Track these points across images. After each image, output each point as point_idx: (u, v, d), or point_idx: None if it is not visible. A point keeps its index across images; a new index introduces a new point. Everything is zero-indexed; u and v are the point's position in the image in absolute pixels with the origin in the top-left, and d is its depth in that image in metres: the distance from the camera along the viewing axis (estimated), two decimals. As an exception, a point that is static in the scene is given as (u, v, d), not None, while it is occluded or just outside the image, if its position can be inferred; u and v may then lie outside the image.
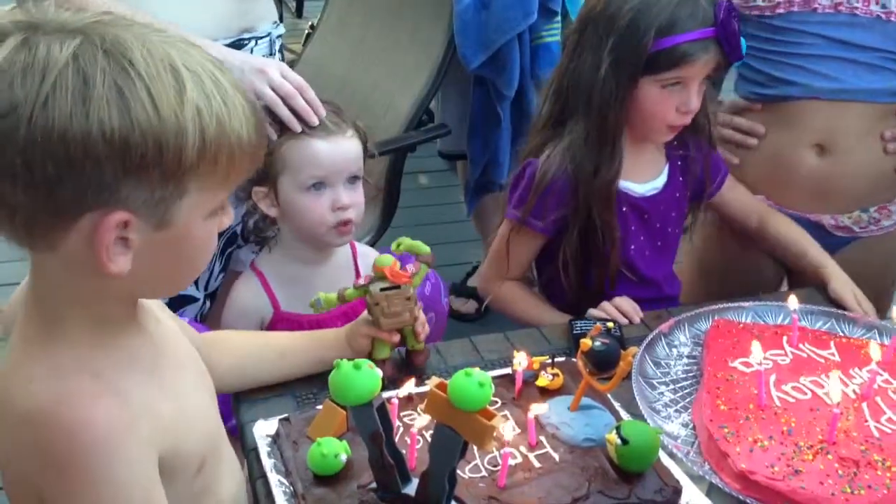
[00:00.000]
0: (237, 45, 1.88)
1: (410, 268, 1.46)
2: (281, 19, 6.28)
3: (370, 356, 1.45)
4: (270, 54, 2.00)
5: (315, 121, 1.65)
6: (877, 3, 1.84)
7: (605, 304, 1.73)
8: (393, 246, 1.51)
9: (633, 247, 1.84)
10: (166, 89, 0.87)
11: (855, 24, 1.86)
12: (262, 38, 1.96)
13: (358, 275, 1.80)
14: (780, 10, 1.90)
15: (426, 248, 1.50)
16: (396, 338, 1.46)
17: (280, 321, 1.75)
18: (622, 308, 1.71)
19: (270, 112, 1.64)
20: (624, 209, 1.81)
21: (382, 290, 1.44)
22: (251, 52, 1.92)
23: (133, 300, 1.05)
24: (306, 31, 4.14)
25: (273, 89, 1.63)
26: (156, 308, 1.16)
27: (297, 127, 1.64)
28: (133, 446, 0.96)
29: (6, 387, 0.96)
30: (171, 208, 0.92)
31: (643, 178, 1.85)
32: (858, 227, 2.01)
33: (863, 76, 1.89)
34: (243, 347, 1.47)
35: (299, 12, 6.89)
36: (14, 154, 0.83)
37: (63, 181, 0.85)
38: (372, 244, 2.54)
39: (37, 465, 0.94)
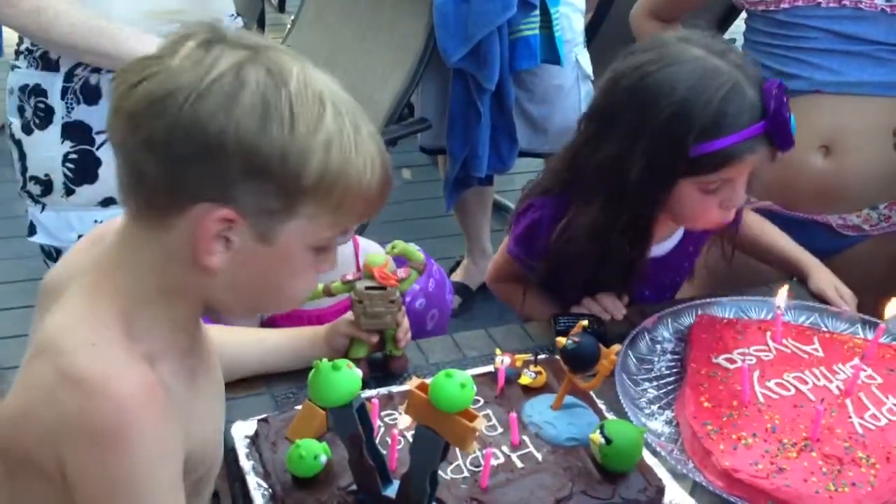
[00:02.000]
0: None
1: (401, 272, 1.45)
2: (263, 13, 6.28)
3: (346, 355, 1.43)
4: None
5: None
6: None
7: (587, 300, 1.72)
8: (387, 248, 1.49)
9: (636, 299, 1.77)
10: (307, 112, 0.92)
11: (859, 17, 1.85)
12: None
13: (359, 269, 1.79)
14: (785, 5, 1.89)
15: (420, 255, 1.48)
16: (375, 339, 1.45)
17: (280, 314, 1.73)
18: (604, 303, 1.70)
19: None
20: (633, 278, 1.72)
21: (368, 288, 1.42)
22: None
23: (204, 305, 1.05)
24: (288, 26, 4.11)
25: None
26: None
27: None
28: (169, 441, 0.97)
29: (63, 337, 0.95)
30: (278, 225, 0.95)
31: (657, 240, 1.70)
32: (869, 225, 1.99)
33: (868, 69, 1.87)
34: (221, 336, 1.46)
35: (281, 6, 6.85)
36: (162, 128, 0.90)
37: (192, 165, 0.91)
38: (351, 240, 2.52)
39: (72, 427, 0.91)
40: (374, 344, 1.46)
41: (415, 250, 1.48)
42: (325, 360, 1.09)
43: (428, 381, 1.04)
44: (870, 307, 1.67)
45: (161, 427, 0.94)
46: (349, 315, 1.46)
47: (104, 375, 0.91)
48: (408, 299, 1.86)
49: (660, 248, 1.75)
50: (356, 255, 1.81)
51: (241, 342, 1.46)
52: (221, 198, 0.92)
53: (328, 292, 1.46)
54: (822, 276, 1.81)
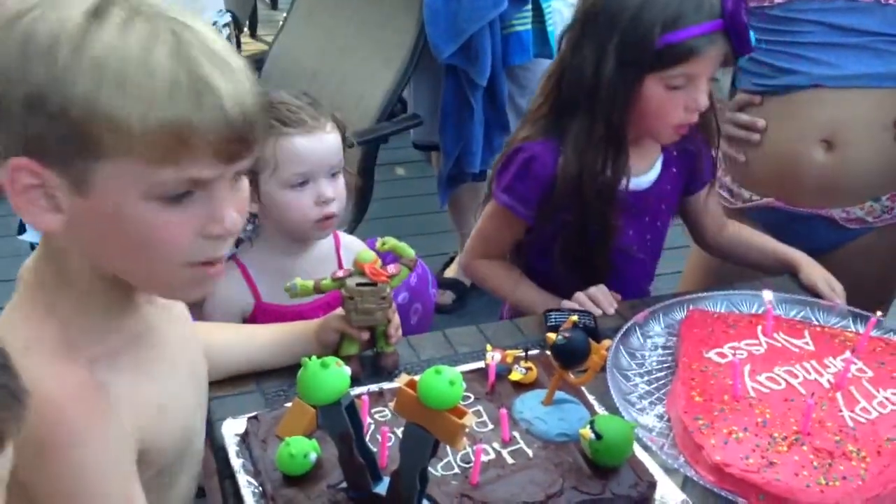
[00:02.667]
0: None
1: (391, 268, 1.45)
2: (255, 10, 6.25)
3: (337, 352, 1.43)
4: None
5: None
6: None
7: (579, 294, 1.72)
8: (378, 244, 1.49)
9: (621, 243, 1.78)
10: (67, 37, 0.87)
11: (853, 8, 1.85)
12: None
13: (341, 265, 1.79)
14: (779, 0, 1.89)
15: (410, 252, 1.48)
16: (366, 335, 1.45)
17: (261, 312, 1.74)
18: (596, 298, 1.70)
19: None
20: (616, 206, 1.75)
21: (358, 285, 1.42)
22: None
23: (122, 287, 1.02)
24: (281, 23, 4.10)
25: None
26: (174, 305, 1.17)
27: None
28: (112, 436, 0.96)
29: (4, 337, 0.91)
30: (86, 172, 0.90)
31: (635, 171, 1.76)
32: (872, 217, 1.99)
33: (866, 61, 1.87)
34: (212, 332, 1.46)
35: (274, 3, 6.85)
36: None
37: None
38: (346, 237, 2.52)
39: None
40: (365, 341, 1.45)
41: (405, 246, 1.48)
42: (313, 357, 1.09)
43: (417, 378, 1.04)
44: (873, 298, 1.68)
45: (100, 425, 0.94)
46: (340, 311, 1.46)
47: (38, 381, 0.87)
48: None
49: (639, 182, 1.79)
50: (337, 252, 1.80)
51: (229, 339, 1.46)
52: (23, 150, 0.89)
53: (318, 289, 1.46)
54: (814, 271, 1.81)
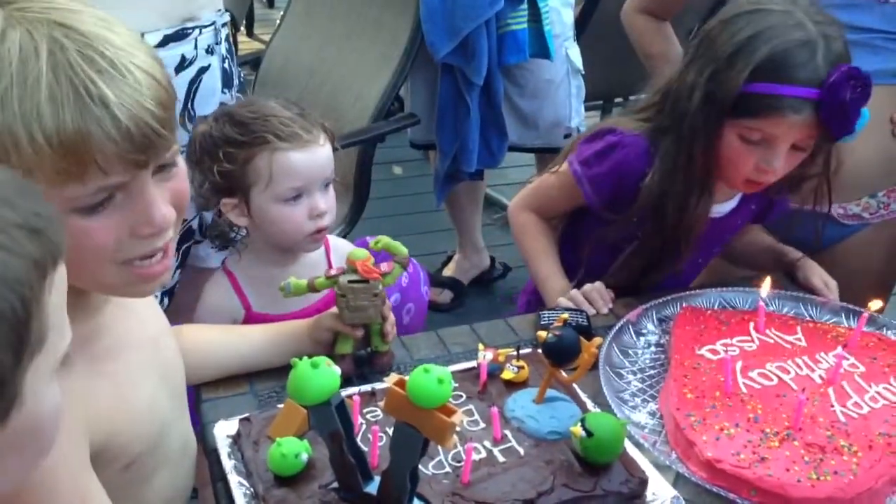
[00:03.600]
0: (180, 34, 1.85)
1: (384, 266, 1.45)
2: (252, 9, 6.25)
3: (332, 351, 1.43)
4: (216, 43, 1.97)
5: None
6: None
7: (575, 293, 1.72)
8: (371, 242, 1.49)
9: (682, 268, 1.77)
10: None
11: (852, 5, 1.85)
12: (206, 27, 1.92)
13: (330, 265, 1.79)
14: None
15: (404, 250, 1.48)
16: (359, 333, 1.45)
17: (252, 321, 1.73)
18: (590, 297, 1.70)
19: (242, 126, 1.62)
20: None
21: (350, 282, 1.42)
22: (195, 41, 1.89)
23: (71, 290, 1.00)
24: (278, 22, 4.11)
25: None
26: (144, 312, 1.16)
27: None
28: (61, 439, 0.93)
29: None
30: None
31: (716, 199, 1.73)
32: (868, 213, 1.99)
33: (864, 58, 1.85)
34: (202, 332, 1.47)
35: (270, 2, 6.86)
36: None
37: None
38: (343, 236, 2.52)
39: None
40: (358, 338, 1.46)
41: (399, 245, 1.48)
42: (304, 358, 1.09)
43: (406, 377, 1.04)
44: (871, 293, 1.67)
45: None
46: (334, 309, 1.46)
47: None
48: None
49: (718, 209, 1.75)
50: (327, 257, 1.80)
51: (219, 337, 1.47)
52: None
53: (312, 287, 1.46)
54: (809, 267, 1.81)
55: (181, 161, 1.02)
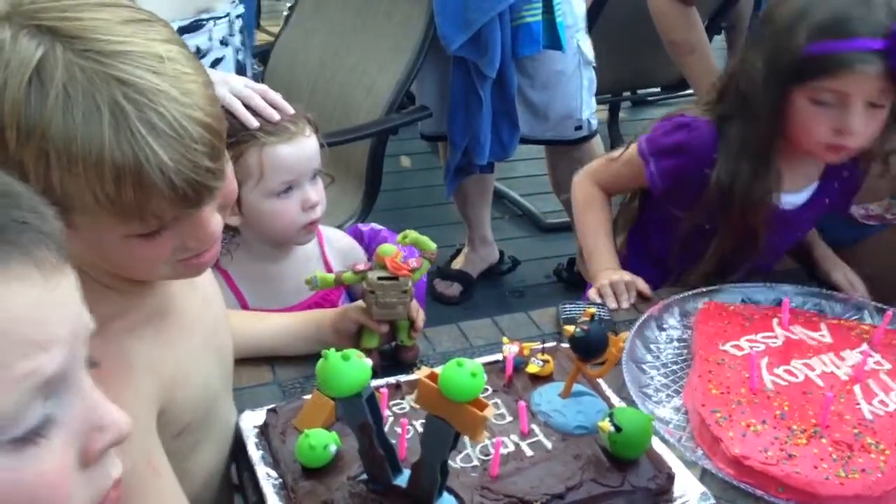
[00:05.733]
0: (195, 26, 1.84)
1: (413, 262, 1.44)
2: (259, 1, 6.23)
3: (357, 345, 1.43)
4: (230, 35, 1.97)
5: (275, 116, 1.61)
6: None
7: (603, 285, 1.71)
8: (399, 237, 1.49)
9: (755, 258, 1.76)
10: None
11: None
12: (220, 18, 1.92)
13: (326, 261, 1.78)
14: None
15: (432, 245, 1.47)
16: (385, 329, 1.45)
17: None
18: (617, 290, 1.69)
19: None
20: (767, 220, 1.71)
21: (380, 279, 1.41)
22: (210, 33, 1.88)
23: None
24: (285, 13, 4.10)
25: (235, 94, 1.61)
26: (197, 282, 1.20)
27: (254, 123, 1.60)
28: (130, 396, 0.99)
29: None
30: (65, 216, 0.86)
31: (787, 188, 1.71)
32: (890, 214, 1.98)
33: None
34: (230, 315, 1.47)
35: (277, -7, 6.83)
36: None
37: None
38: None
39: None
40: (384, 334, 1.45)
41: (427, 240, 1.47)
42: (333, 349, 1.08)
43: (437, 370, 1.04)
44: (891, 295, 1.67)
45: (118, 386, 0.94)
46: (360, 303, 1.46)
47: None
48: None
49: (790, 199, 1.73)
50: (321, 248, 1.79)
51: (243, 322, 1.47)
52: None
53: (339, 281, 1.46)
54: (832, 262, 1.80)
55: (229, 166, 1.04)
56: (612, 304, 1.66)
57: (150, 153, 0.90)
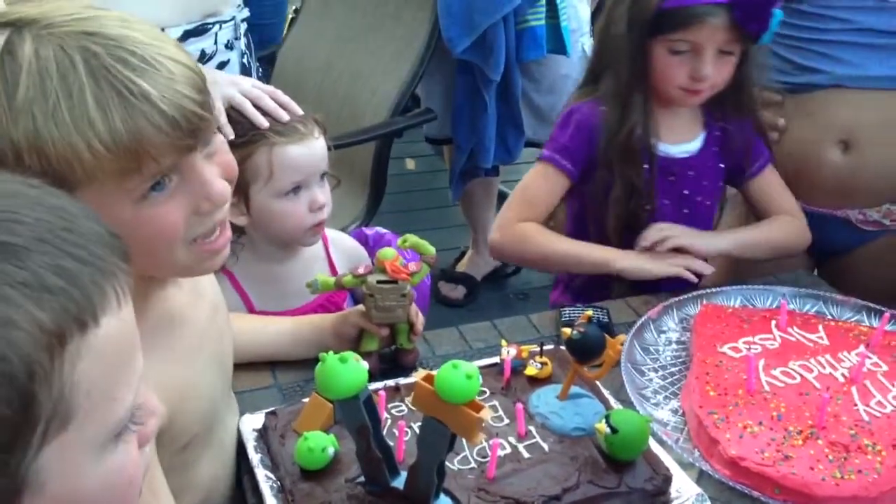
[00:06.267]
0: (201, 30, 1.85)
1: (412, 266, 1.45)
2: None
3: (358, 348, 1.44)
4: (235, 38, 1.98)
5: (284, 117, 1.62)
6: None
7: (653, 229, 1.77)
8: (399, 241, 1.50)
9: (654, 206, 1.81)
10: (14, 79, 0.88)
11: (881, 8, 1.83)
12: (226, 21, 1.93)
13: (331, 263, 1.79)
14: None
15: (431, 249, 1.48)
16: (385, 332, 1.46)
17: None
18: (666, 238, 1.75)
19: (237, 125, 1.62)
20: (646, 166, 1.80)
21: (379, 282, 1.42)
22: (215, 36, 1.90)
23: (145, 279, 1.06)
24: (290, 16, 4.11)
25: (244, 95, 1.62)
26: (202, 283, 1.20)
27: (264, 123, 1.61)
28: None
29: None
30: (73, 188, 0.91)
31: (674, 139, 1.83)
32: (889, 220, 1.98)
33: (889, 63, 1.85)
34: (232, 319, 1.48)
35: (283, -3, 6.83)
36: None
37: None
38: (359, 231, 2.52)
39: None
40: (384, 337, 1.46)
41: (426, 244, 1.48)
42: (331, 352, 1.09)
43: (434, 372, 1.05)
44: (890, 300, 1.67)
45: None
46: (360, 307, 1.47)
47: None
48: None
49: (676, 149, 1.84)
50: (326, 250, 1.80)
51: (245, 327, 1.48)
52: None
53: (339, 285, 1.47)
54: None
55: (219, 135, 1.06)
56: (699, 267, 1.74)
57: (131, 84, 0.90)
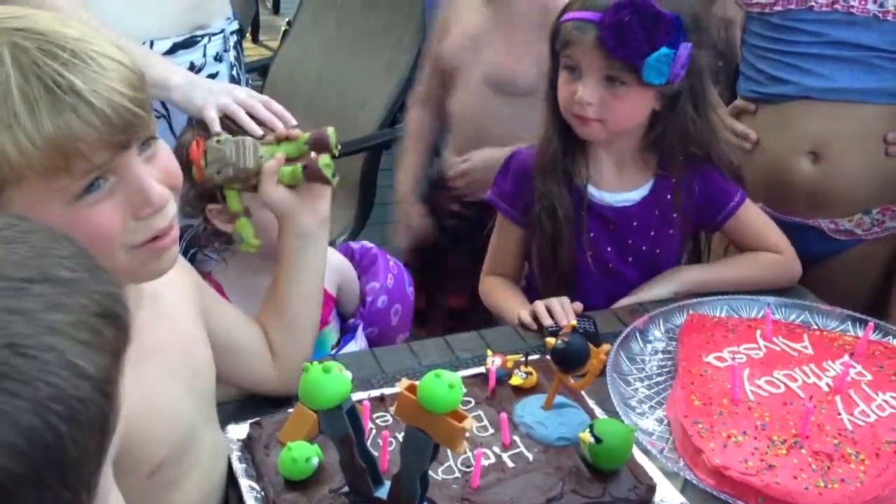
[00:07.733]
0: (190, 42, 1.86)
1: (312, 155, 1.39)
2: (257, 15, 6.27)
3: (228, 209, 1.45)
4: (225, 50, 1.98)
5: (279, 126, 1.62)
6: (874, 2, 1.83)
7: (538, 304, 1.69)
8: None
9: (591, 253, 1.77)
10: None
11: (851, 22, 1.86)
12: (215, 34, 1.94)
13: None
14: (778, 8, 1.90)
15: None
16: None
17: None
18: (552, 308, 1.67)
19: (227, 131, 1.62)
20: (582, 213, 1.76)
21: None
22: (204, 49, 1.90)
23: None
24: (283, 28, 4.13)
25: (238, 104, 1.63)
26: (165, 303, 1.16)
27: (258, 131, 1.61)
28: None
29: None
30: (1, 202, 0.90)
31: (614, 188, 1.78)
32: (861, 229, 1.99)
33: (859, 76, 1.87)
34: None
35: (276, 9, 6.87)
36: None
37: None
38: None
39: None
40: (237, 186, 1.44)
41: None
42: (314, 363, 1.10)
43: (417, 382, 1.05)
44: (865, 310, 1.68)
45: None
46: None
47: None
48: (369, 299, 1.86)
49: (611, 198, 1.79)
50: None
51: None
52: None
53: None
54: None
55: (162, 142, 1.03)
56: (547, 321, 1.64)
57: (59, 78, 0.88)
